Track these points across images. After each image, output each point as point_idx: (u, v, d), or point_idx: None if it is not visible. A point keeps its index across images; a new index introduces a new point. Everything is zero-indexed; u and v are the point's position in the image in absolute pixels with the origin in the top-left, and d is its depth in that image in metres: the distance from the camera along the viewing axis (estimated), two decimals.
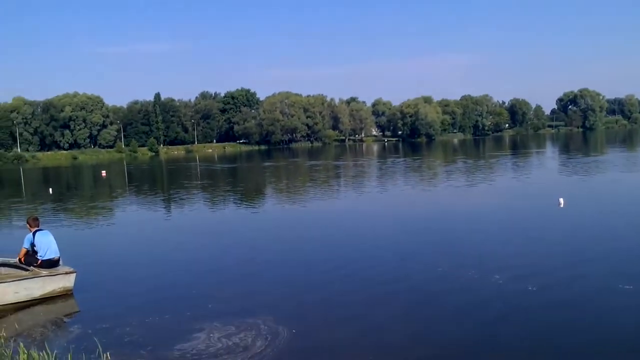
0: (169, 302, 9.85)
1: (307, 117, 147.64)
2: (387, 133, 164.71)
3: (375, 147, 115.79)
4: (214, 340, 7.87)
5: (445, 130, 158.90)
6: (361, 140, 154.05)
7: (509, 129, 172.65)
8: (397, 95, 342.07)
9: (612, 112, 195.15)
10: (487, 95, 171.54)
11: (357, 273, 11.59)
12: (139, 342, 7.81)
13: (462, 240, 14.74)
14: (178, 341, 7.84)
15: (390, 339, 7.96)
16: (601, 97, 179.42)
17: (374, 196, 26.84)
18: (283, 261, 13.02)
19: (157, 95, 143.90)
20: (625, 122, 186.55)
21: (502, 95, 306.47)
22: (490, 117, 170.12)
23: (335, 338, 8.13)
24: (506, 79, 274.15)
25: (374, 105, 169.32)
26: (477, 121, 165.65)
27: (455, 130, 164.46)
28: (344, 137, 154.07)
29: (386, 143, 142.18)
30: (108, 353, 7.22)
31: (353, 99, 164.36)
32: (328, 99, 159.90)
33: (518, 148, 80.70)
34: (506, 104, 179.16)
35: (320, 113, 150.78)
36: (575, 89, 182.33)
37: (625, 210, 18.68)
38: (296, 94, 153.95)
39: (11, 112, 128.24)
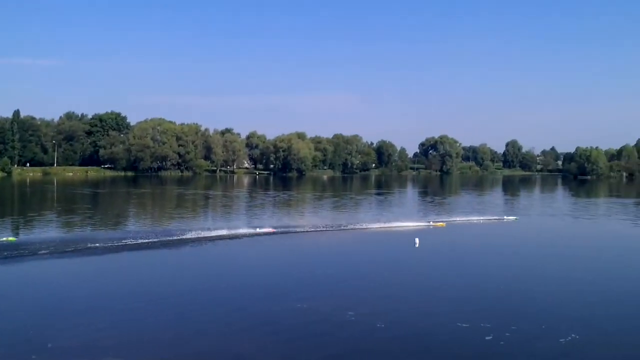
0: None
1: (179, 146, 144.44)
2: (259, 166, 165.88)
3: (247, 180, 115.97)
4: None
5: (316, 166, 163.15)
6: (232, 172, 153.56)
7: (375, 168, 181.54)
8: (272, 130, 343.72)
9: (466, 158, 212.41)
10: (357, 136, 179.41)
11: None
12: None
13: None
14: None
15: None
16: (458, 145, 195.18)
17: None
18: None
19: (16, 112, 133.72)
20: (477, 168, 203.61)
21: (372, 136, 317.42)
22: (359, 156, 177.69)
23: None
24: (376, 121, 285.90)
25: (248, 137, 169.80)
26: (346, 159, 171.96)
27: (325, 167, 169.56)
28: (215, 168, 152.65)
29: (257, 176, 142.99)
30: None
31: (228, 130, 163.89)
32: (202, 128, 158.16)
33: (382, 187, 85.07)
34: (374, 144, 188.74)
35: (193, 142, 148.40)
36: (436, 135, 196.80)
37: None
38: (169, 122, 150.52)
39: None
